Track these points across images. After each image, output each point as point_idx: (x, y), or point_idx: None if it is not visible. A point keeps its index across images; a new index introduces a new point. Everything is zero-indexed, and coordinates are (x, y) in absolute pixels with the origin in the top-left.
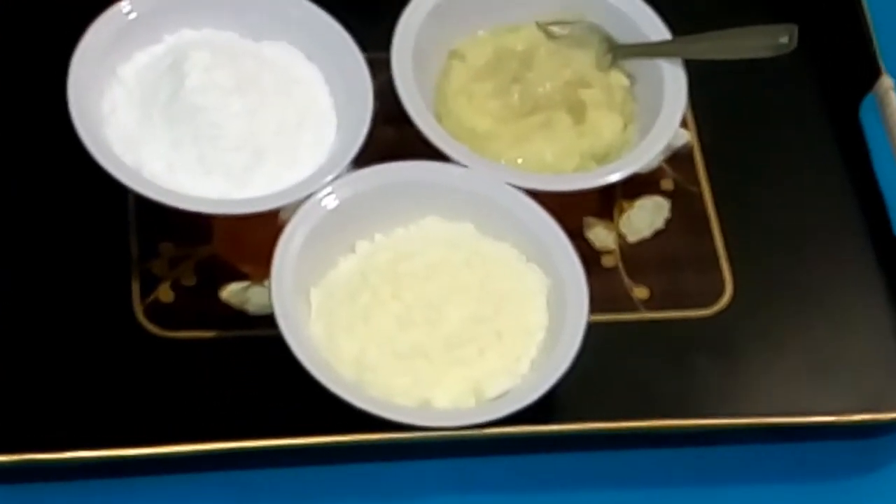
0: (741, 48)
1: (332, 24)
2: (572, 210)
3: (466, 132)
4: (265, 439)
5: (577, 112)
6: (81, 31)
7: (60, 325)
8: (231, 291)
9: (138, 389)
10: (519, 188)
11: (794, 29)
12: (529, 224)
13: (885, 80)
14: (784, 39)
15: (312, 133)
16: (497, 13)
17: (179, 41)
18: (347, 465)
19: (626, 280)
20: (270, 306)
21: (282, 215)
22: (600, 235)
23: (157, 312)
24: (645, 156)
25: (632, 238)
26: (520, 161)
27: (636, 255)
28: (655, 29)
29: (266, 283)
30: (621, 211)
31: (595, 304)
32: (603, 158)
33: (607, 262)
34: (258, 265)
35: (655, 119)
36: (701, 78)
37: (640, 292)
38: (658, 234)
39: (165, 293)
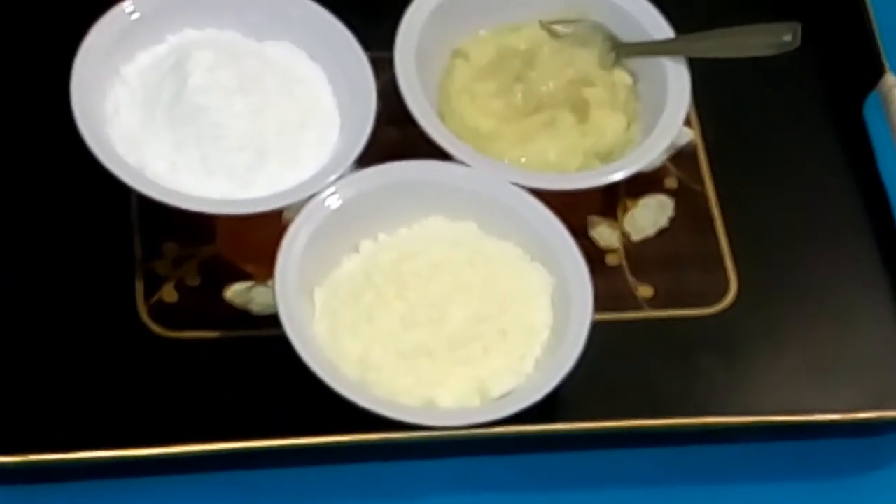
0: (745, 46)
1: (335, 23)
2: (576, 209)
3: (470, 131)
4: (269, 439)
5: (581, 111)
6: (84, 31)
7: (64, 326)
8: (235, 291)
9: (143, 390)
10: (522, 187)
11: (798, 27)
12: (533, 223)
13: (889, 79)
14: (787, 38)
15: (315, 133)
16: (500, 12)
17: (182, 41)
18: (351, 464)
19: (631, 279)
20: (274, 306)
21: (285, 215)
22: (604, 234)
23: (161, 312)
24: (648, 154)
25: (636, 237)
26: (523, 160)
27: (640, 254)
28: (659, 27)
29: (270, 282)
30: (625, 209)
31: (599, 303)
32: (606, 157)
33: (611, 260)
34: (262, 265)
35: (659, 117)
36: (704, 76)
37: (645, 291)
38: (662, 233)
39: (169, 293)
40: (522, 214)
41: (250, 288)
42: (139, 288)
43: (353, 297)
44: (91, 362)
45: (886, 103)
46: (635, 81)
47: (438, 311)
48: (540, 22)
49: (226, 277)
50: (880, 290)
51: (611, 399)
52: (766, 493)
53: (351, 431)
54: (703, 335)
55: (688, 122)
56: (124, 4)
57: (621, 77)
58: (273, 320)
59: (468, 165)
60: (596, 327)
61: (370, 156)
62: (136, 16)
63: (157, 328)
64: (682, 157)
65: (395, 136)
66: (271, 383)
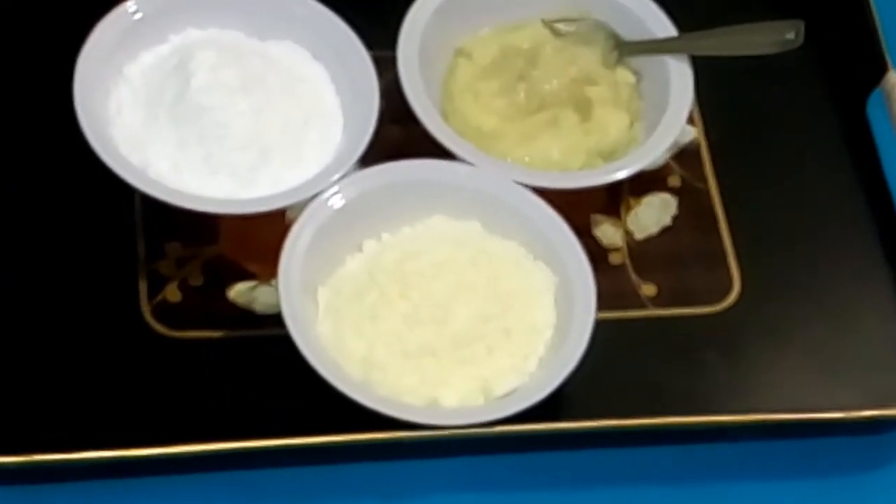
0: (747, 44)
1: (338, 23)
2: (579, 207)
3: (473, 130)
4: (273, 439)
5: (584, 109)
6: (87, 31)
7: (68, 326)
8: (238, 291)
9: (146, 390)
10: (526, 186)
11: (801, 25)
12: (536, 222)
13: (892, 76)
14: (790, 36)
15: (318, 132)
16: (503, 11)
17: (185, 41)
18: (355, 464)
19: (634, 277)
20: (278, 306)
21: (288, 214)
22: (608, 233)
23: (165, 312)
24: (652, 153)
25: (639, 235)
26: (526, 159)
27: (643, 253)
28: (661, 26)
29: (273, 282)
30: (628, 208)
31: (603, 302)
32: (609, 156)
33: (615, 259)
34: (265, 265)
35: (662, 116)
36: (707, 74)
37: (648, 289)
38: (665, 231)
39: (173, 293)
40: (526, 213)
41: (254, 287)
42: (143, 288)
43: (357, 297)
44: (95, 362)
45: (889, 101)
46: (638, 80)
47: (442, 311)
48: (542, 21)
49: (229, 277)
50: (883, 288)
51: (614, 398)
52: (769, 491)
53: (355, 431)
54: (707, 333)
55: (691, 121)
56: (127, 4)
57: (624, 75)
58: (276, 320)
59: (471, 164)
60: (599, 326)
61: (373, 155)
62: (138, 16)
63: (160, 328)
64: (685, 155)
65: (398, 136)
66: (275, 383)
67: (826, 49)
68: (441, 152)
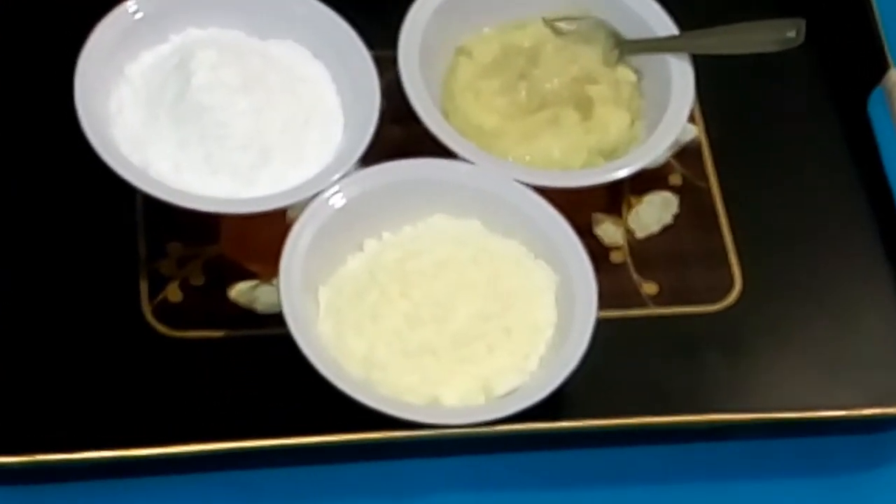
0: (748, 43)
1: (339, 22)
2: (580, 206)
3: (474, 129)
4: (274, 438)
5: (585, 108)
6: (88, 31)
7: (69, 326)
8: (239, 290)
9: (148, 390)
10: (526, 185)
11: (802, 23)
12: (537, 221)
13: (893, 74)
14: (791, 34)
15: (319, 131)
16: (503, 10)
17: (186, 40)
18: (356, 463)
19: (635, 276)
20: (279, 305)
21: (289, 214)
22: (608, 231)
23: (166, 312)
24: (653, 151)
25: (640, 234)
26: (527, 158)
27: (645, 251)
28: (662, 24)
29: (274, 281)
30: (629, 207)
31: (604, 301)
32: (610, 154)
33: (616, 257)
34: (266, 264)
35: (663, 114)
36: (708, 73)
37: (649, 288)
38: (666, 230)
39: (174, 293)
40: (526, 212)
41: (255, 287)
42: (143, 288)
43: (358, 296)
44: (96, 362)
45: (891, 99)
46: (639, 78)
47: (443, 310)
48: (543, 19)
49: (230, 277)
50: (884, 287)
51: (615, 396)
52: (770, 489)
53: (355, 430)
54: (708, 332)
55: (692, 119)
56: (128, 4)
57: (625, 74)
58: (277, 319)
59: (472, 163)
60: (600, 325)
61: (374, 154)
62: (139, 15)
63: (161, 328)
64: (686, 153)
65: (399, 135)
66: (276, 382)
67: (827, 47)
68: (442, 151)
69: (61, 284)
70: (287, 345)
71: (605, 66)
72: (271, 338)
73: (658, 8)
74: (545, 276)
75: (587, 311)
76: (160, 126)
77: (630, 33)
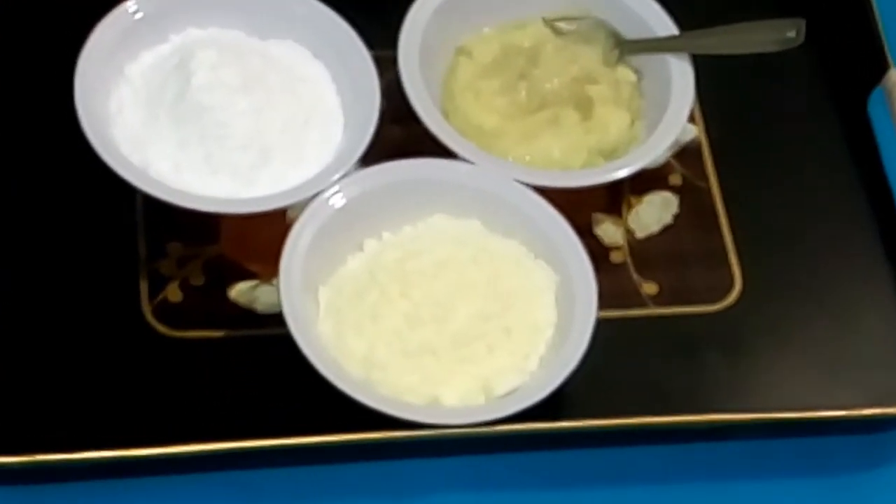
0: (748, 43)
1: (339, 22)
2: (580, 206)
3: (474, 129)
4: (274, 438)
5: (585, 108)
6: (88, 30)
7: (69, 326)
8: (239, 291)
9: (148, 390)
10: (526, 185)
11: (802, 23)
12: (537, 221)
13: (894, 74)
14: (791, 34)
15: (319, 131)
16: (503, 10)
17: (186, 40)
18: (356, 463)
19: (635, 276)
20: (279, 305)
21: (289, 214)
22: (608, 231)
23: (166, 312)
24: (653, 151)
25: (640, 234)
26: (527, 158)
27: (645, 251)
28: (662, 24)
29: (274, 281)
30: (629, 207)
31: (604, 301)
32: (610, 154)
33: (616, 258)
34: (266, 264)
35: (663, 114)
36: (708, 73)
37: (649, 288)
38: (666, 230)
39: (174, 293)
40: (526, 212)
41: (255, 287)
42: (143, 288)
43: (358, 296)
44: (96, 362)
45: (891, 99)
46: (639, 78)
47: (443, 310)
48: (543, 19)
49: (230, 277)
50: (884, 286)
51: (615, 396)
52: (770, 489)
53: (356, 430)
54: (708, 332)
55: (692, 119)
56: (128, 4)
57: (625, 74)
58: (277, 319)
59: (472, 163)
60: (600, 325)
61: (374, 154)
62: (139, 15)
63: (161, 328)
64: (686, 153)
65: (399, 135)
66: (276, 382)
67: (827, 47)
68: (442, 151)
69: (61, 284)
70: (287, 345)
71: (605, 66)
72: (271, 338)
73: (658, 8)
74: (545, 276)
75: (587, 311)
76: (160, 126)
77: (630, 33)
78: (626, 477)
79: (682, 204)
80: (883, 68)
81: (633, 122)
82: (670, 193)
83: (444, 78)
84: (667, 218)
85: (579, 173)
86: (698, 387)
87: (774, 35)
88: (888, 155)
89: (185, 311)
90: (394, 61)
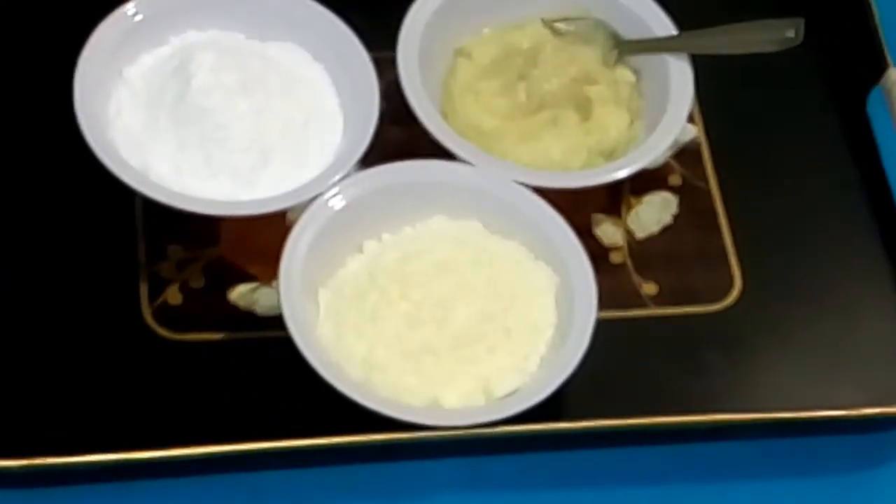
0: (747, 43)
1: (338, 23)
2: (580, 207)
3: (473, 130)
4: (274, 441)
5: (584, 109)
6: (87, 33)
7: (69, 329)
8: (239, 293)
9: (148, 392)
10: (526, 186)
11: (801, 23)
12: (537, 221)
13: (893, 73)
14: (790, 34)
15: (319, 133)
16: (502, 11)
17: (185, 43)
18: (356, 465)
19: (635, 276)
20: (279, 307)
21: (289, 216)
22: (608, 232)
23: (166, 315)
24: (652, 151)
25: (640, 234)
26: (527, 158)
27: (644, 252)
28: (661, 24)
29: (274, 284)
30: (629, 207)
31: (604, 301)
32: (610, 155)
33: (615, 258)
34: (266, 266)
35: (662, 114)
36: (708, 73)
37: (649, 288)
38: (666, 230)
39: (174, 295)
40: (526, 213)
41: (255, 289)
42: (143, 290)
43: (358, 298)
44: (96, 365)
45: (890, 98)
46: (638, 79)
47: (443, 311)
48: (542, 20)
49: (230, 279)
50: (884, 286)
51: (616, 397)
52: (771, 489)
53: (356, 432)
54: (708, 332)
55: (691, 119)
56: (127, 6)
57: (624, 74)
58: (277, 321)
59: (472, 164)
60: (600, 325)
61: (374, 156)
62: (138, 18)
63: (161, 330)
64: (685, 154)
65: (399, 136)
66: (276, 384)
67: (826, 47)
68: (441, 152)
69: (61, 288)
70: (287, 347)
71: (605, 66)
72: (271, 340)
73: (657, 8)
74: (545, 277)
75: (587, 312)
76: (160, 128)
77: (629, 34)
78: (626, 477)
79: (681, 204)
80: (882, 68)
81: (632, 123)
82: (670, 194)
83: (443, 79)
84: (666, 218)
85: (579, 174)
86: (698, 387)
87: (773, 35)
88: (887, 154)
89: (186, 313)
90: (393, 63)
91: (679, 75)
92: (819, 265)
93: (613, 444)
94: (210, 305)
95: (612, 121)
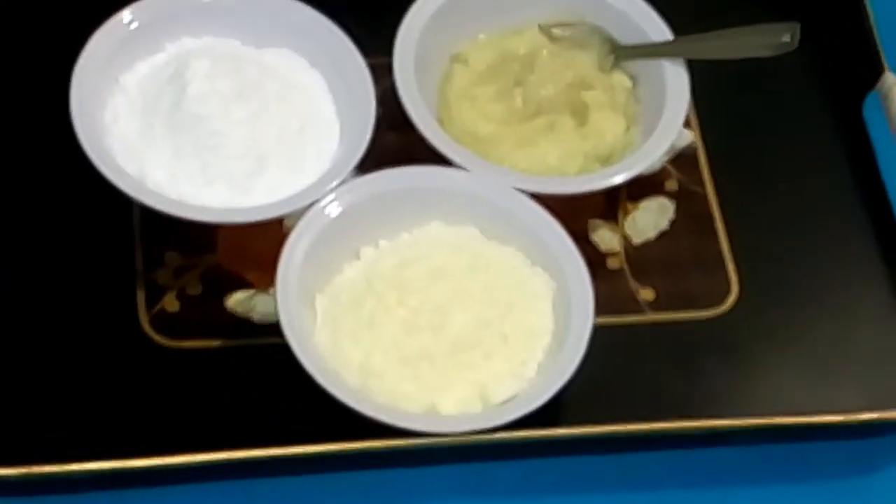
0: (743, 47)
1: (334, 30)
2: (577, 213)
3: (469, 136)
4: (271, 448)
5: (580, 114)
6: (83, 41)
7: (66, 337)
8: (236, 300)
9: (145, 400)
10: (523, 191)
11: (797, 27)
12: (534, 227)
13: (888, 78)
14: (786, 38)
15: (315, 140)
16: (498, 16)
17: (181, 50)
18: (353, 472)
19: (632, 282)
20: (276, 314)
21: (286, 223)
22: (605, 238)
23: (163, 322)
24: (649, 157)
25: (637, 240)
26: (523, 164)
27: (641, 257)
28: (657, 29)
29: (271, 291)
30: (626, 213)
31: (601, 307)
32: (606, 160)
33: (612, 264)
34: (263, 273)
35: (658, 120)
36: (704, 78)
37: (646, 294)
38: (663, 236)
39: (171, 303)
40: (523, 219)
41: (252, 296)
42: (141, 298)
43: (355, 304)
44: (93, 373)
45: (886, 103)
46: (634, 84)
47: (440, 317)
48: (539, 26)
49: (227, 286)
50: (881, 290)
51: (613, 403)
52: (769, 495)
53: (353, 439)
54: (705, 338)
55: (687, 124)
56: (123, 14)
57: (620, 80)
58: (274, 328)
59: (468, 170)
60: (597, 331)
61: (370, 162)
62: (134, 25)
63: (158, 338)
64: (682, 159)
65: (395, 142)
66: (273, 391)
67: (822, 51)
68: (438, 158)
69: (58, 295)
70: (284, 354)
71: (601, 71)
72: (268, 347)
73: (652, 13)
74: (542, 283)
75: (584, 318)
76: (156, 136)
77: (625, 39)
78: (624, 483)
79: (678, 209)
80: (878, 72)
81: (628, 128)
82: (666, 199)
83: (439, 85)
84: (663, 224)
85: (575, 180)
86: (696, 392)
87: (769, 40)
88: (884, 158)
89: (183, 320)
90: (389, 69)
91: (675, 80)
92: (816, 270)
93: (611, 450)
94: (207, 312)
95: (608, 126)
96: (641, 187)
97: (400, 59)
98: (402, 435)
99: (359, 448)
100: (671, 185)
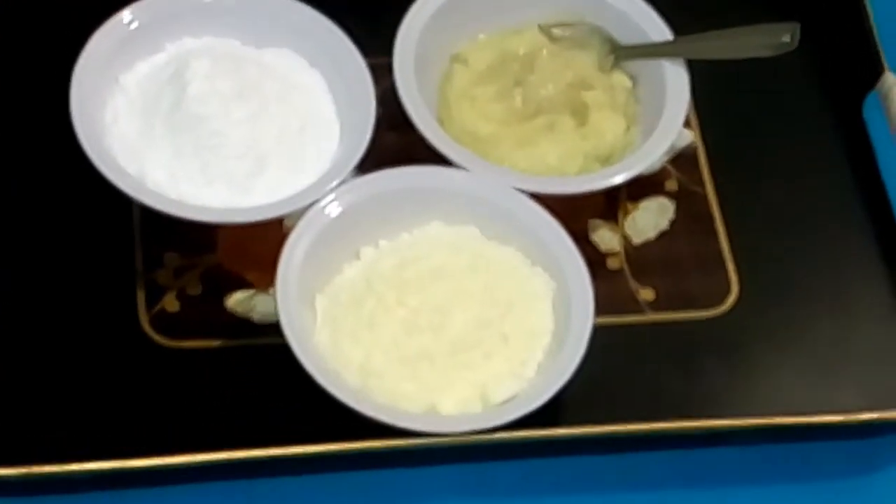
0: (743, 47)
1: (334, 29)
2: (577, 213)
3: (469, 136)
4: (272, 448)
5: (580, 114)
6: (83, 41)
7: (66, 337)
8: (236, 300)
9: (145, 400)
10: (523, 191)
11: (796, 27)
12: (534, 227)
13: (888, 78)
14: (786, 38)
15: (315, 140)
16: (498, 16)
17: (181, 50)
18: (353, 472)
19: (632, 282)
20: (276, 314)
21: (286, 223)
22: (605, 238)
23: (163, 322)
24: (649, 157)
25: (637, 240)
26: (523, 164)
27: (641, 257)
28: (657, 29)
29: (271, 291)
30: (626, 213)
31: (601, 307)
32: (606, 160)
33: (612, 264)
34: (263, 273)
35: (658, 120)
36: (704, 78)
37: (646, 294)
38: (663, 236)
39: (171, 303)
40: (523, 219)
41: (252, 296)
42: (141, 298)
43: (355, 304)
44: (93, 373)
45: (886, 103)
46: (634, 84)
47: (440, 317)
48: (539, 26)
49: (227, 286)
50: (881, 291)
51: (613, 403)
52: (769, 495)
53: (353, 439)
54: (705, 338)
55: (687, 124)
56: (123, 14)
57: (620, 80)
58: (275, 328)
59: (468, 170)
60: (597, 331)
61: (370, 162)
62: (134, 25)
63: (158, 338)
64: (682, 159)
65: (395, 142)
66: (273, 391)
67: (822, 51)
68: (438, 158)
69: (59, 295)
70: (284, 354)
71: (601, 71)
72: (268, 347)
73: (652, 13)
74: (542, 283)
75: (584, 318)
76: (156, 136)
77: (625, 39)
78: (624, 483)
79: (678, 209)
80: (878, 72)
81: (628, 128)
82: (666, 199)
83: (439, 85)
84: (663, 224)
85: (575, 179)
86: (696, 392)
87: (769, 40)
88: (884, 158)
89: (183, 320)
90: (389, 69)
91: (675, 80)
92: (816, 270)
93: (611, 450)
94: (207, 313)
95: (608, 126)
96: (641, 187)
97: (400, 59)
98: (402, 435)
99: (359, 448)
100: (671, 185)
